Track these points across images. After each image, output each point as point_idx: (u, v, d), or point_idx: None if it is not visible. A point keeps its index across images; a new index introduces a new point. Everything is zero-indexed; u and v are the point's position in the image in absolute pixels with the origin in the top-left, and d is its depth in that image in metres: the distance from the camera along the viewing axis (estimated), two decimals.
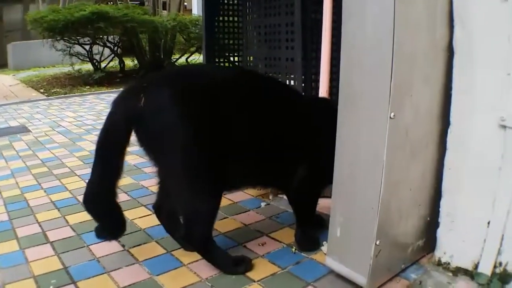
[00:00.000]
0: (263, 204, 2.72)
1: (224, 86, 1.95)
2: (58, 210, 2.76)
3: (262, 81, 2.18)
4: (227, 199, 2.80)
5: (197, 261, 2.05)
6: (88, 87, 9.81)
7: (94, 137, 4.80)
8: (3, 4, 19.95)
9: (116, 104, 1.88)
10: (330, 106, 2.14)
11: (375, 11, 1.60)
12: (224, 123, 1.87)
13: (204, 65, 3.25)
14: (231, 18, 3.36)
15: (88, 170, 3.47)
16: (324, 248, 2.07)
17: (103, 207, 1.94)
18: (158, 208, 2.22)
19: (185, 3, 16.03)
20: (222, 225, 2.42)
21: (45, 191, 3.12)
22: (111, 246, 2.16)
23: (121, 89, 1.97)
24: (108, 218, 1.97)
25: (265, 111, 2.00)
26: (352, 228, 1.78)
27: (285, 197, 2.73)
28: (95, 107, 7.12)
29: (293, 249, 2.14)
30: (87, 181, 3.11)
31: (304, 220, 2.21)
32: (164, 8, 12.62)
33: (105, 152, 1.89)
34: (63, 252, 2.21)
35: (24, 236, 2.41)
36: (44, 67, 14.76)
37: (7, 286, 1.94)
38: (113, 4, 11.81)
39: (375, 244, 1.68)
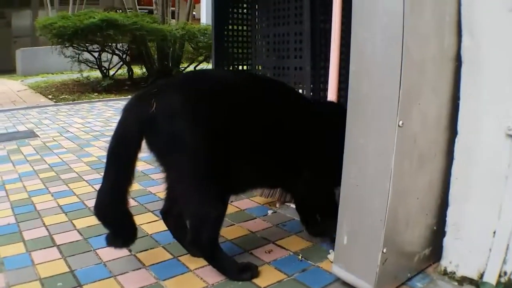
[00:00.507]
0: (270, 212, 2.72)
1: (233, 91, 1.96)
2: (66, 214, 2.76)
3: (270, 85, 2.19)
4: (234, 206, 2.80)
5: (203, 267, 2.05)
6: (97, 94, 9.85)
7: (102, 143, 4.84)
8: (12, 10, 20.08)
9: (127, 110, 1.89)
10: (337, 109, 2.15)
11: (384, 20, 1.61)
12: (233, 127, 1.89)
13: (214, 70, 3.26)
14: (240, 27, 3.38)
15: (96, 176, 3.51)
16: (331, 256, 2.07)
17: (115, 215, 1.94)
18: (166, 214, 2.22)
19: (194, 12, 16.10)
20: (229, 232, 2.43)
21: (52, 195, 3.13)
22: (118, 251, 2.15)
23: (129, 96, 1.99)
24: (120, 226, 1.98)
25: (273, 115, 2.01)
26: (359, 236, 1.78)
27: (292, 205, 2.74)
28: (103, 114, 7.14)
29: (300, 257, 2.14)
30: (95, 186, 3.18)
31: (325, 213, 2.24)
32: (173, 17, 12.65)
33: (117, 159, 1.90)
34: (69, 256, 2.21)
35: (30, 239, 2.42)
36: (53, 74, 14.81)
37: None
38: (122, 12, 11.88)
39: (382, 252, 1.68)
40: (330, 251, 2.09)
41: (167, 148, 1.87)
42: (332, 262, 1.95)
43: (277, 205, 2.81)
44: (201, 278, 1.98)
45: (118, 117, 1.89)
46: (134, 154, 1.86)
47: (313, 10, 2.74)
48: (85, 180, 3.46)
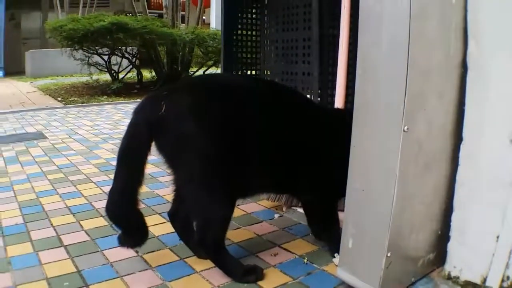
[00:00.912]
0: (276, 216, 2.73)
1: (242, 95, 1.99)
2: (73, 215, 2.79)
3: (279, 90, 2.21)
4: (240, 210, 2.81)
5: (209, 268, 2.07)
6: (106, 97, 9.88)
7: (111, 145, 4.87)
8: (21, 12, 20.11)
9: (138, 112, 1.93)
10: (345, 116, 2.16)
11: (391, 26, 1.63)
12: (241, 130, 1.91)
13: (223, 74, 3.28)
14: (249, 32, 3.40)
15: (104, 178, 3.55)
16: (336, 260, 2.08)
17: (126, 215, 1.97)
18: (173, 215, 2.24)
19: (204, 17, 16.14)
20: (236, 235, 2.44)
21: (60, 197, 3.15)
22: (125, 252, 2.18)
23: (138, 100, 2.02)
24: (131, 226, 2.01)
25: (282, 121, 2.02)
26: (364, 240, 1.79)
27: (298, 209, 2.75)
28: (112, 117, 7.16)
29: (305, 260, 2.15)
30: (103, 188, 3.20)
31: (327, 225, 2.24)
32: (182, 21, 12.69)
33: (127, 160, 1.94)
34: (77, 256, 2.23)
35: (38, 239, 2.44)
36: (62, 76, 14.88)
37: (19, 287, 1.96)
38: (132, 15, 11.92)
39: (386, 256, 1.69)
40: (336, 254, 2.09)
41: (175, 149, 1.90)
42: (337, 265, 1.97)
43: (284, 209, 2.82)
44: (207, 280, 1.99)
45: (127, 120, 1.92)
46: (144, 156, 1.90)
47: (322, 16, 2.76)
48: (94, 182, 3.49)
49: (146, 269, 2.10)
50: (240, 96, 1.98)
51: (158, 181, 3.47)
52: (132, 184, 1.93)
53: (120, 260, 2.18)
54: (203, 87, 2.01)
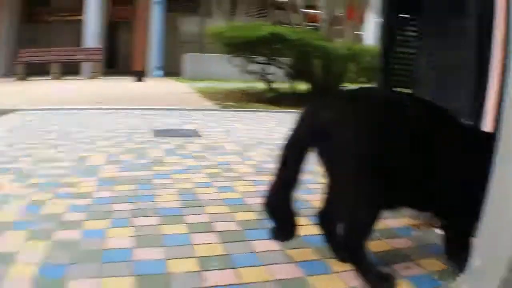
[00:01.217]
0: (414, 233, 2.78)
1: (398, 111, 2.10)
2: (226, 206, 3.02)
3: (433, 111, 2.25)
4: (382, 223, 2.85)
5: (347, 271, 2.17)
6: (261, 104, 10.07)
7: (264, 150, 4.99)
8: (180, 15, 20.92)
9: (301, 119, 2.11)
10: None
11: None
12: (395, 145, 2.02)
13: (381, 88, 3.36)
14: (405, 51, 3.45)
15: (259, 178, 3.72)
16: (460, 279, 2.11)
17: (283, 210, 2.14)
18: (323, 218, 2.35)
19: (360, 32, 16.13)
20: (374, 245, 2.49)
21: (216, 189, 3.41)
22: (271, 245, 2.36)
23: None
24: (286, 221, 2.17)
25: (433, 140, 2.09)
26: (490, 261, 1.85)
27: (435, 229, 2.77)
28: (266, 123, 7.28)
29: (434, 277, 2.20)
30: (257, 186, 3.39)
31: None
32: (338, 36, 12.73)
33: (288, 162, 2.11)
34: (226, 242, 2.45)
35: (191, 223, 2.71)
36: (217, 80, 15.35)
37: (170, 261, 2.22)
38: (289, 27, 12.12)
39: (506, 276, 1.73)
40: (460, 274, 2.12)
41: (335, 157, 2.06)
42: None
43: (422, 228, 2.86)
44: (344, 281, 2.12)
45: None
46: (303, 160, 2.07)
47: (480, 40, 2.76)
48: (247, 180, 3.70)
49: (289, 262, 2.27)
50: (396, 111, 2.09)
51: (307, 187, 3.51)
52: (290, 184, 2.10)
53: (266, 251, 2.36)
54: (363, 99, 2.16)
